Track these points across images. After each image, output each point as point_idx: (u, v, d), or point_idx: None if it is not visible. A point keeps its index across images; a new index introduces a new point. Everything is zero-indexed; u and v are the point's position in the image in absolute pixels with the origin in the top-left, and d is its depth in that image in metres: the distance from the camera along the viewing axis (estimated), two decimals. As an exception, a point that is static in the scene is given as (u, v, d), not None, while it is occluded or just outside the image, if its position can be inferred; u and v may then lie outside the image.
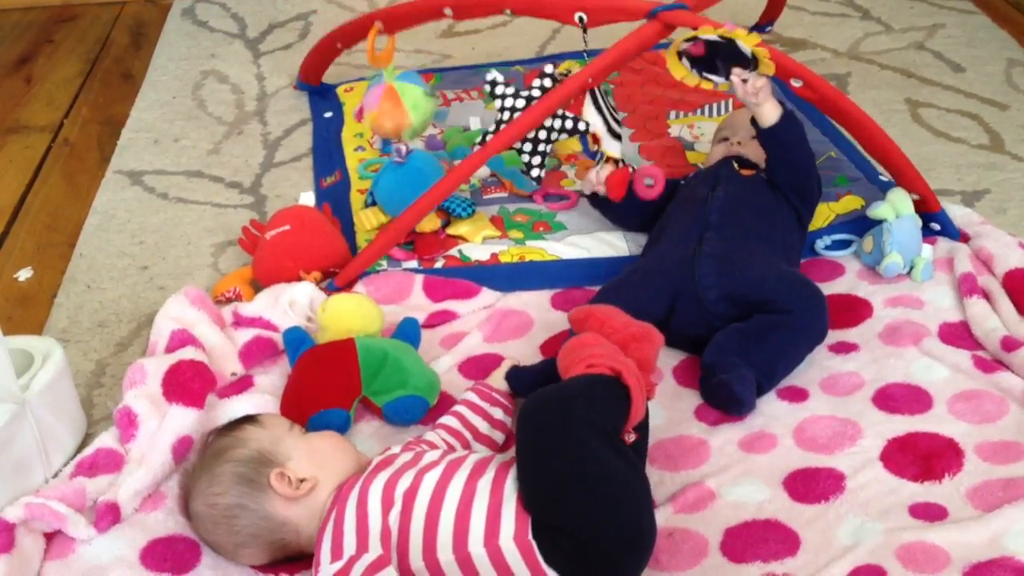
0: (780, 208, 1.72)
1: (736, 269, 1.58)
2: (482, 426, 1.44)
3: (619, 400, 1.24)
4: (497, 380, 1.51)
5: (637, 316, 1.42)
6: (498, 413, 1.46)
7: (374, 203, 1.93)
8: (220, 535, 1.27)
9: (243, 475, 1.26)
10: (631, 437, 1.25)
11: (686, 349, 1.61)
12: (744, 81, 1.65)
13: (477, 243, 1.85)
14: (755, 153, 1.79)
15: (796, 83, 1.71)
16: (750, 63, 1.64)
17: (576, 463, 1.16)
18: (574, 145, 2.12)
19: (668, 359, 1.60)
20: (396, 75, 1.87)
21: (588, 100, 1.76)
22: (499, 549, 1.16)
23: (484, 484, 1.21)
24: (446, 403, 1.52)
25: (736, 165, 1.79)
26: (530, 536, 1.16)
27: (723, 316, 1.56)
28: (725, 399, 1.47)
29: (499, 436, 1.45)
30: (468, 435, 1.43)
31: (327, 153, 2.20)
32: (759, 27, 2.56)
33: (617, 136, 1.80)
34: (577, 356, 1.29)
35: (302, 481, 1.26)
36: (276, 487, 1.25)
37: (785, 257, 1.67)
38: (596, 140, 1.79)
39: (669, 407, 1.51)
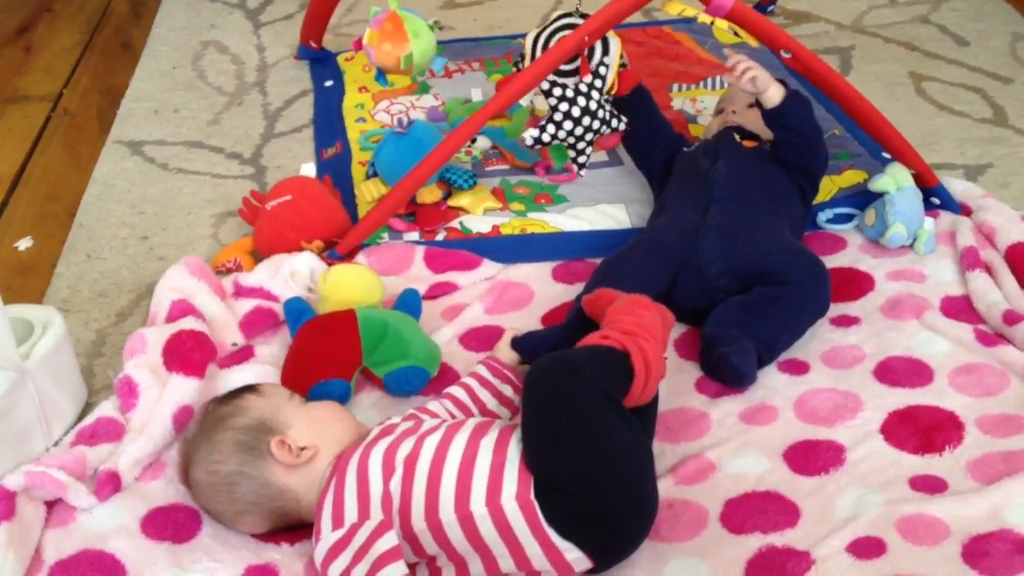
0: (783, 180, 1.71)
1: (740, 242, 1.57)
2: (490, 402, 1.43)
3: (623, 375, 1.25)
4: (502, 352, 1.51)
5: (640, 288, 1.43)
6: (508, 391, 1.45)
7: (375, 174, 1.92)
8: (220, 503, 1.27)
9: (243, 443, 1.26)
10: None
11: (687, 321, 1.60)
12: (738, 73, 1.67)
13: (478, 215, 1.85)
14: (753, 123, 1.78)
15: (786, 54, 1.70)
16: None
17: (581, 424, 1.17)
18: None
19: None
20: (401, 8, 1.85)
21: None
22: (500, 508, 1.17)
23: (487, 444, 1.22)
24: (446, 374, 1.52)
25: (738, 137, 1.78)
26: (532, 495, 1.16)
27: (725, 289, 1.56)
28: (726, 373, 1.47)
29: (506, 414, 1.44)
30: (475, 409, 1.42)
31: (328, 124, 2.19)
32: (762, 7, 2.53)
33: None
34: (617, 319, 1.31)
35: (302, 449, 1.27)
36: (276, 455, 1.25)
37: (789, 229, 1.66)
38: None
39: (670, 379, 1.50)
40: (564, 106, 1.74)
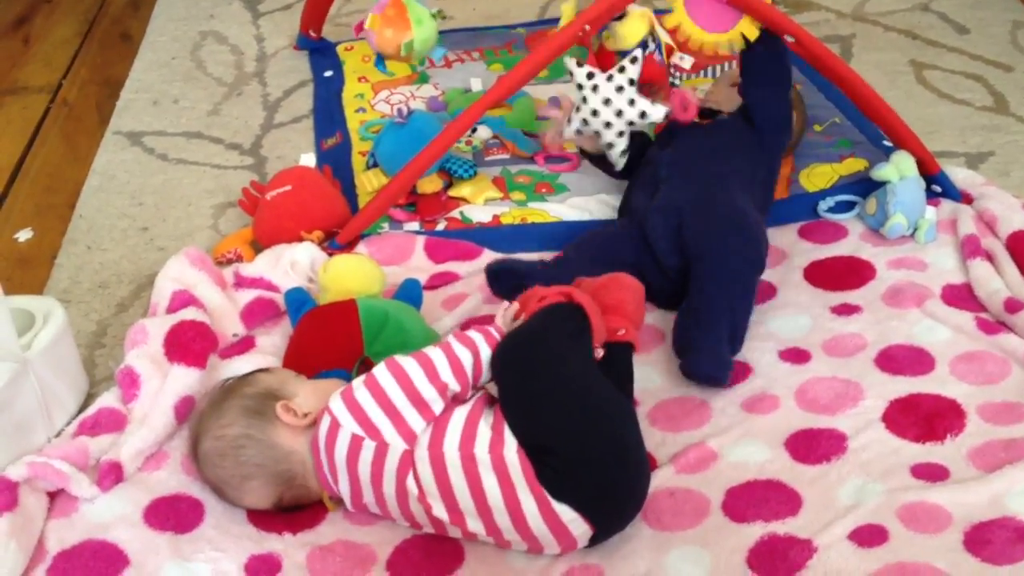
0: (740, 147, 1.72)
1: (679, 217, 1.58)
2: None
3: (578, 321, 1.31)
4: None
5: (607, 256, 1.54)
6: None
7: (375, 165, 1.92)
8: (227, 467, 1.28)
9: (250, 408, 1.28)
10: (599, 352, 1.33)
11: (672, 308, 1.59)
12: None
13: (479, 205, 1.85)
14: (726, 100, 1.82)
15: (789, 39, 1.69)
16: None
17: (554, 381, 1.22)
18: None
19: (668, 321, 1.59)
20: None
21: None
22: (502, 457, 1.19)
23: (484, 425, 1.23)
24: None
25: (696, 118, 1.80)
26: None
27: (676, 269, 1.58)
28: (697, 382, 1.47)
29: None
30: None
31: (328, 114, 2.19)
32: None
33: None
34: (531, 297, 1.36)
35: (307, 414, 1.28)
36: (282, 416, 1.27)
37: (754, 192, 1.67)
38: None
39: (670, 368, 1.51)
40: (585, 97, 1.72)
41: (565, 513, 1.18)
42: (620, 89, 1.70)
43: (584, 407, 1.21)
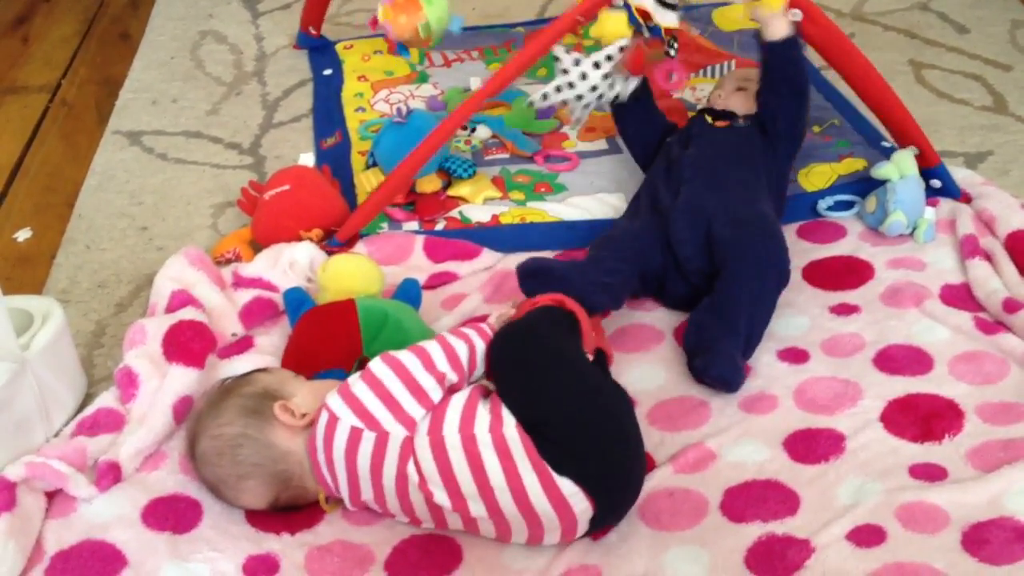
0: (757, 151, 1.72)
1: (705, 220, 1.58)
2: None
3: (570, 323, 1.35)
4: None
5: (618, 283, 1.51)
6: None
7: (375, 164, 1.92)
8: (224, 467, 1.27)
9: (248, 407, 1.28)
10: (589, 358, 1.35)
11: (683, 308, 1.60)
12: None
13: (478, 204, 1.85)
14: (734, 104, 1.81)
15: (795, 17, 1.68)
16: None
17: (552, 364, 1.26)
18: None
19: (668, 320, 1.60)
20: None
21: None
22: (502, 436, 1.20)
23: (482, 408, 1.24)
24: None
25: (709, 118, 1.80)
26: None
27: (699, 272, 1.57)
28: (710, 385, 1.47)
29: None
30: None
31: (327, 114, 2.19)
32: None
33: (671, 6, 1.73)
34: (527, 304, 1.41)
35: (305, 415, 1.28)
36: (280, 416, 1.27)
37: (770, 198, 1.67)
38: (647, 16, 1.72)
39: (669, 368, 1.51)
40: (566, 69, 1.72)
41: (566, 486, 1.18)
42: (597, 65, 1.70)
43: (581, 384, 1.24)
